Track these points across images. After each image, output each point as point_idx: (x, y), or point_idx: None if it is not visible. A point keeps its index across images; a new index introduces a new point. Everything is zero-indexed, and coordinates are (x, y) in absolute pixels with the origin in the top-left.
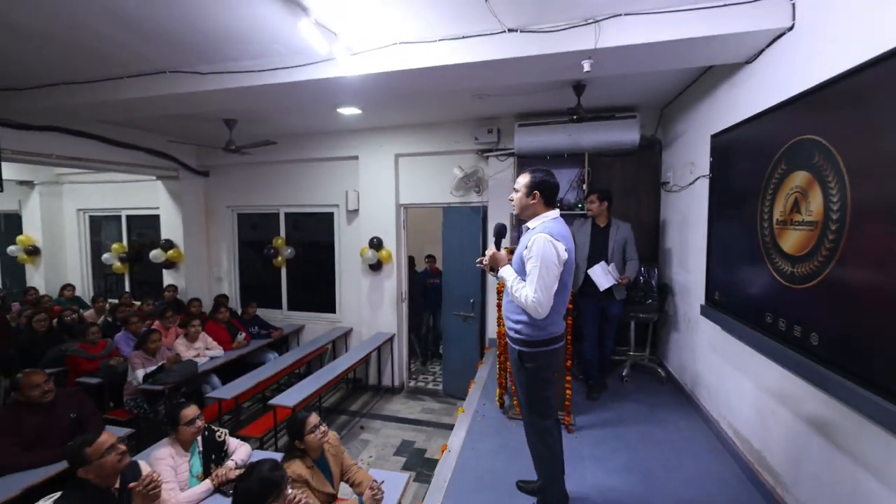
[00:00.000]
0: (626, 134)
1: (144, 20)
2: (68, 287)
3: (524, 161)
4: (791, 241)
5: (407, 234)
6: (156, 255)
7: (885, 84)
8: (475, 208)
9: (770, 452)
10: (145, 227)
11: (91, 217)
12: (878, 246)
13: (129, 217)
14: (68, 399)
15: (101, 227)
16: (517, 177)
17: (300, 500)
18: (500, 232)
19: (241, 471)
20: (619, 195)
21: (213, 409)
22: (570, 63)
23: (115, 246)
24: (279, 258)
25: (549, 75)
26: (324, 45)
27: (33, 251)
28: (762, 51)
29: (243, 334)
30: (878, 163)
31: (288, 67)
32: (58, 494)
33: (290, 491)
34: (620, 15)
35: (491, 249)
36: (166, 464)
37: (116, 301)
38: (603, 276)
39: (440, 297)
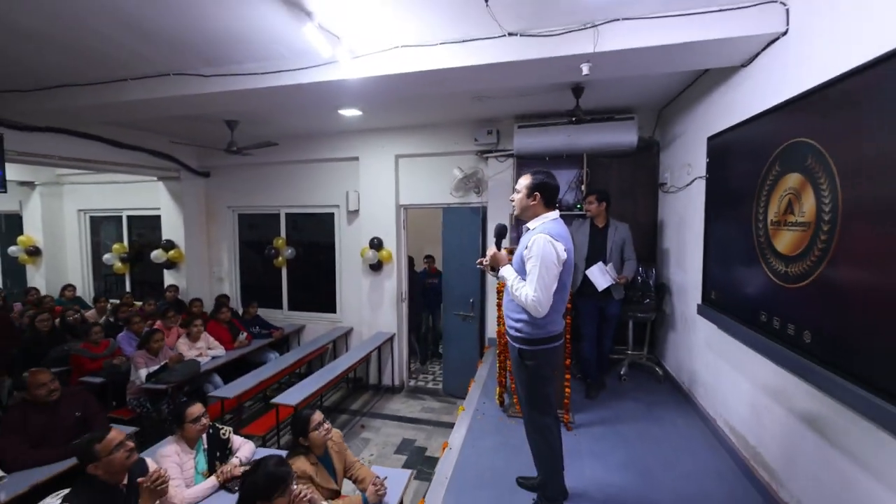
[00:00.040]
0: (624, 135)
1: (148, 22)
2: (69, 287)
3: (523, 162)
4: (785, 241)
5: (407, 234)
6: (157, 255)
7: (873, 90)
8: (475, 209)
9: (765, 448)
10: (144, 228)
11: (91, 217)
12: (867, 246)
13: (129, 217)
14: (73, 398)
15: (100, 228)
16: (516, 177)
17: (305, 496)
18: (501, 232)
19: (246, 468)
20: (617, 196)
21: (215, 408)
22: (568, 66)
23: (116, 246)
24: (280, 258)
25: (548, 78)
26: (327, 48)
27: (34, 252)
28: (757, 55)
29: (244, 334)
30: (867, 165)
31: (291, 70)
32: (67, 490)
33: (295, 486)
34: (618, 19)
35: (492, 249)
36: (172, 461)
37: (117, 301)
38: (601, 276)
39: (439, 296)
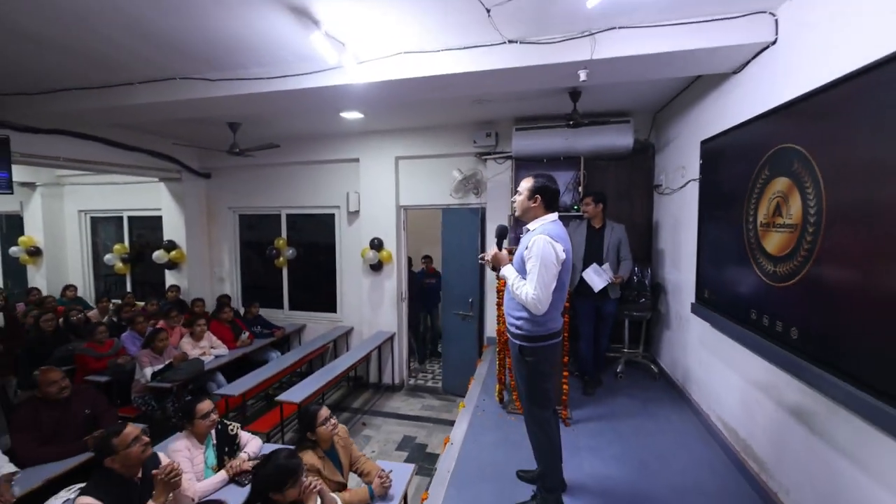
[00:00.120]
0: (620, 138)
1: (154, 27)
2: (70, 288)
3: (521, 164)
4: (773, 242)
5: (407, 234)
6: (159, 255)
7: (856, 99)
8: (474, 210)
9: (755, 441)
10: (144, 228)
11: (92, 218)
12: (849, 247)
13: (129, 218)
14: (82, 396)
15: (100, 228)
16: (515, 179)
17: (315, 487)
18: (502, 233)
19: (256, 461)
20: (613, 197)
21: (219, 406)
22: (566, 72)
23: (117, 247)
24: (281, 259)
25: (546, 83)
26: (333, 54)
27: (35, 252)
28: (748, 62)
29: (247, 333)
30: (849, 171)
31: (296, 75)
32: (80, 485)
33: (305, 478)
34: (615, 28)
35: (493, 250)
36: (183, 455)
37: (119, 301)
38: (596, 277)
39: (436, 296)
